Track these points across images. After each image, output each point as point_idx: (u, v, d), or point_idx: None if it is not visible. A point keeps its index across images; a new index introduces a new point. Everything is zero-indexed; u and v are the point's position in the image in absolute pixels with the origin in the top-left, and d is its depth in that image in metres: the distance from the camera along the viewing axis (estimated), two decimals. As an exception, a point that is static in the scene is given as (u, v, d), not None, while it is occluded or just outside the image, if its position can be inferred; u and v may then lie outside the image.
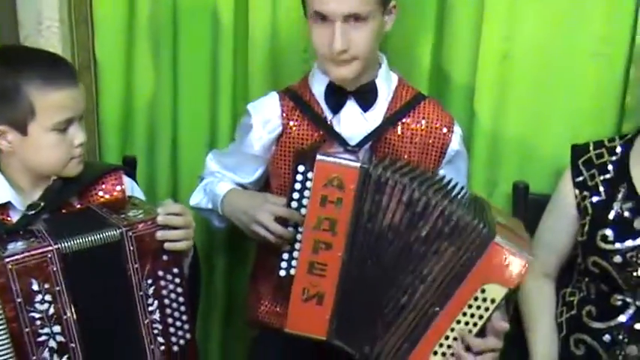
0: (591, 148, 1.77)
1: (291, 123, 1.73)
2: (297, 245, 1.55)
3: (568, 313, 1.75)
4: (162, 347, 1.54)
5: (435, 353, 1.48)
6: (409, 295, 1.47)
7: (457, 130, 1.76)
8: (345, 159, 1.48)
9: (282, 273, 1.56)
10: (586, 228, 1.71)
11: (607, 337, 1.67)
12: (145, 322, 1.52)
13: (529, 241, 1.55)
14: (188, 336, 1.58)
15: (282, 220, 1.57)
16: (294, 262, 1.55)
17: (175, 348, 1.57)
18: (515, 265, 1.42)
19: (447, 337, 1.48)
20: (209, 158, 1.91)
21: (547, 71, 1.91)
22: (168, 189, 2.18)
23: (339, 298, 1.49)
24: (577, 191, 1.75)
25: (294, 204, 1.53)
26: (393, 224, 1.47)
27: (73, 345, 1.49)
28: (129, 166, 1.96)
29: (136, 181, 1.81)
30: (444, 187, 1.56)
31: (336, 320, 1.49)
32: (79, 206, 1.63)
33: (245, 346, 2.14)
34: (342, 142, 1.67)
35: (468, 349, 1.47)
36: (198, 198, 1.87)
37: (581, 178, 1.75)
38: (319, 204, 1.46)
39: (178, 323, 1.57)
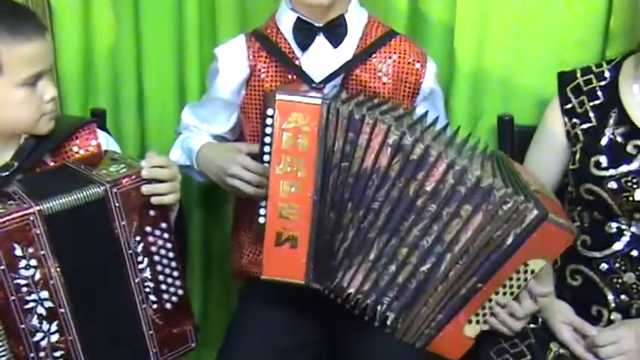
0: (579, 74, 1.75)
1: (259, 65, 1.69)
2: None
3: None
4: (155, 305, 1.51)
5: (470, 322, 1.49)
6: (433, 264, 1.44)
7: (431, 65, 1.72)
8: (306, 96, 1.45)
9: (261, 220, 1.53)
10: (577, 156, 1.69)
11: (604, 266, 1.66)
12: (136, 280, 1.49)
13: (559, 203, 1.54)
14: (180, 292, 1.55)
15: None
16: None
17: (168, 305, 1.54)
18: (562, 240, 1.42)
19: (483, 307, 1.48)
20: (184, 112, 1.87)
21: (528, 1, 1.89)
22: (135, 145, 2.11)
23: (315, 241, 1.47)
24: (566, 119, 1.72)
25: (267, 148, 1.50)
26: (379, 167, 1.44)
27: (63, 310, 1.44)
28: (99, 119, 1.89)
29: (109, 134, 1.74)
30: (440, 134, 1.55)
31: (314, 264, 1.47)
32: (52, 164, 1.57)
33: (226, 298, 2.13)
34: (307, 79, 1.64)
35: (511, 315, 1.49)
36: (176, 154, 1.83)
37: (569, 106, 1.73)
38: (283, 144, 1.43)
39: (170, 280, 1.53)
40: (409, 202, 1.45)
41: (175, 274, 1.53)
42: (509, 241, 1.41)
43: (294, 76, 1.66)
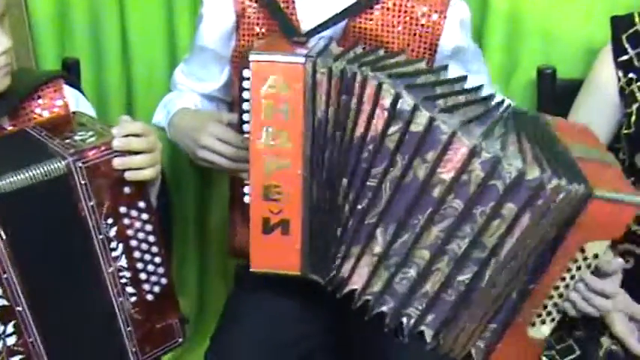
0: (637, 19, 1.55)
1: (248, 10, 1.45)
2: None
3: None
4: (134, 298, 1.35)
5: (534, 324, 1.30)
6: (475, 273, 1.24)
7: (456, 14, 1.44)
8: (286, 54, 1.25)
9: (247, 199, 1.35)
10: (633, 118, 1.51)
11: None
12: (109, 270, 1.31)
13: (618, 166, 1.32)
14: (164, 281, 1.38)
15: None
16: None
17: (149, 297, 1.37)
18: (622, 215, 1.21)
19: (544, 307, 1.30)
20: (179, 68, 1.68)
21: None
22: (120, 104, 1.92)
23: (309, 224, 1.30)
24: (620, 73, 1.53)
25: (246, 116, 1.32)
26: (373, 134, 1.22)
27: (20, 308, 1.25)
28: (70, 72, 1.70)
29: (81, 91, 1.52)
30: (460, 95, 1.30)
31: (310, 250, 1.31)
32: (10, 129, 1.37)
33: (225, 279, 1.99)
34: (286, 29, 1.40)
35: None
36: (160, 116, 1.63)
37: (625, 57, 1.53)
38: (263, 114, 1.24)
39: (150, 267, 1.36)
40: (419, 189, 1.23)
41: (157, 260, 1.36)
42: (547, 228, 1.22)
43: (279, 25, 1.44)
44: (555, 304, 1.29)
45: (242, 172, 1.39)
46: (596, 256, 1.25)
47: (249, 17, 1.46)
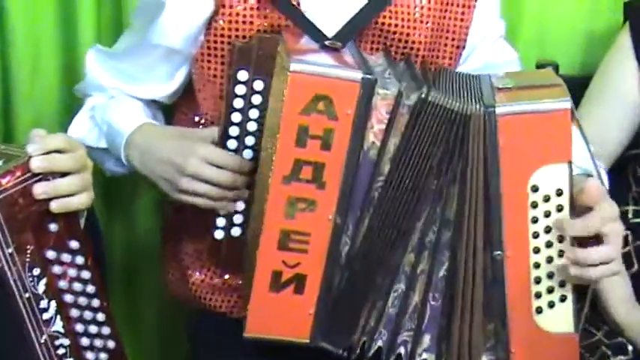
0: None
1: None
2: (242, 193, 1.18)
3: (636, 241, 1.41)
4: None
5: (539, 310, 1.14)
6: (451, 259, 1.12)
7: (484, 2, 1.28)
8: (333, 67, 1.07)
9: (219, 235, 1.19)
10: None
11: None
12: (42, 340, 1.07)
13: (563, 86, 1.15)
14: (111, 344, 1.14)
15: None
16: (237, 218, 1.18)
17: None
18: (549, 121, 1.08)
19: (537, 281, 1.13)
20: (92, 60, 1.32)
21: None
22: None
23: (329, 282, 1.13)
24: None
25: (233, 131, 1.14)
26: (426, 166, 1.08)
27: None
28: None
29: None
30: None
31: (326, 315, 1.14)
32: None
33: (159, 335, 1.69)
34: (312, 31, 1.17)
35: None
36: (82, 130, 1.31)
37: None
38: (295, 140, 1.06)
39: (93, 328, 1.11)
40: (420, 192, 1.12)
41: (100, 317, 1.11)
42: (475, 173, 1.09)
43: (289, 23, 1.18)
44: (549, 275, 1.13)
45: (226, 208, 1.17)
46: (559, 192, 1.10)
47: (230, 8, 1.17)
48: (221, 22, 1.18)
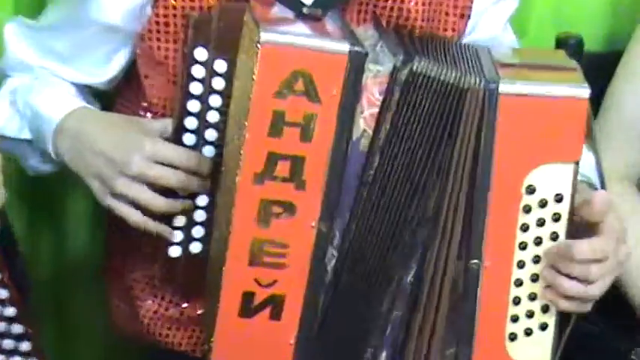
0: None
1: None
2: (200, 200, 1.01)
3: None
4: None
5: (513, 338, 1.00)
6: (419, 264, 0.99)
7: None
8: (315, 37, 0.94)
9: (175, 252, 1.03)
10: None
11: None
12: None
13: (579, 71, 1.04)
14: None
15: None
16: (197, 231, 1.03)
17: None
18: (562, 110, 0.95)
19: (516, 302, 0.99)
20: (12, 33, 1.16)
21: None
22: None
23: (313, 304, 0.98)
24: None
25: (190, 123, 0.99)
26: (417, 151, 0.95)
27: None
28: None
29: None
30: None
31: (308, 345, 1.00)
32: None
33: None
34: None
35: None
36: (5, 116, 1.14)
37: None
38: (269, 129, 0.91)
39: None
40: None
41: (24, 347, 1.00)
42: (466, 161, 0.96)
43: None
44: (531, 297, 1.00)
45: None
46: (559, 199, 0.97)
47: None
48: None
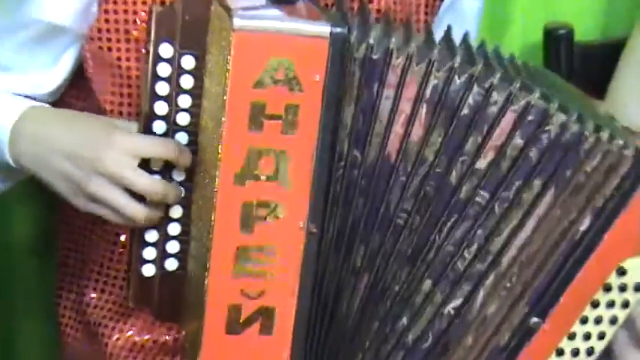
0: None
1: None
2: (174, 211, 0.94)
3: None
4: None
5: None
6: (466, 297, 0.94)
7: None
8: (292, 20, 0.88)
9: (148, 271, 0.95)
10: None
11: None
12: None
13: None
14: None
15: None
16: (172, 246, 0.95)
17: None
18: None
19: None
20: None
21: None
22: None
23: (305, 314, 0.93)
24: None
25: (158, 127, 0.91)
26: (409, 147, 0.89)
27: None
28: None
29: None
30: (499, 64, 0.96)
31: (304, 358, 0.95)
32: None
33: None
34: None
35: None
36: None
37: None
38: (248, 124, 0.86)
39: None
40: (448, 199, 0.93)
41: None
42: (584, 226, 0.93)
43: None
44: None
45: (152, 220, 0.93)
46: (638, 287, 0.96)
47: None
48: None
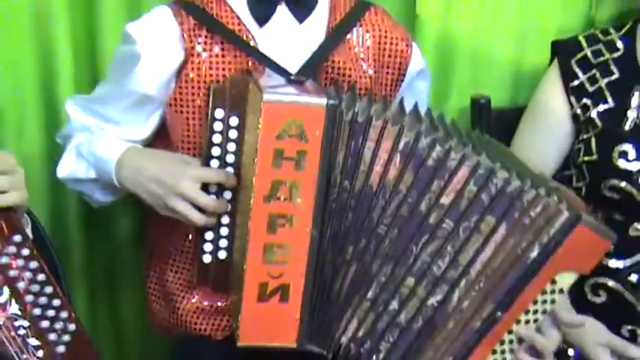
0: (584, 43, 1.43)
1: (198, 47, 1.26)
2: (224, 219, 1.22)
3: None
4: (41, 352, 1.11)
5: None
6: (445, 295, 1.16)
7: (414, 44, 1.41)
8: (301, 95, 1.15)
9: (207, 259, 1.22)
10: (593, 144, 1.39)
11: (634, 277, 1.37)
12: (0, 322, 1.09)
13: (580, 201, 1.25)
14: (72, 327, 1.13)
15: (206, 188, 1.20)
16: (223, 242, 1.23)
17: (61, 348, 1.13)
18: (598, 248, 1.15)
19: (502, 342, 1.18)
20: (71, 106, 1.36)
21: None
22: None
23: (311, 289, 1.17)
24: (573, 99, 1.42)
25: (213, 163, 1.19)
26: (386, 181, 1.14)
27: None
28: None
29: None
30: (452, 130, 1.21)
31: (309, 318, 1.18)
32: None
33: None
34: (276, 68, 1.24)
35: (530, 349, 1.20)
36: (70, 166, 1.33)
37: (576, 83, 1.42)
38: (272, 163, 1.11)
39: (51, 312, 1.12)
40: (420, 221, 1.14)
41: (55, 302, 1.12)
42: (534, 253, 1.13)
43: (253, 63, 1.27)
44: (511, 342, 1.20)
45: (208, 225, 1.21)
46: (561, 291, 1.18)
47: (198, 55, 1.25)
48: (190, 69, 1.24)
